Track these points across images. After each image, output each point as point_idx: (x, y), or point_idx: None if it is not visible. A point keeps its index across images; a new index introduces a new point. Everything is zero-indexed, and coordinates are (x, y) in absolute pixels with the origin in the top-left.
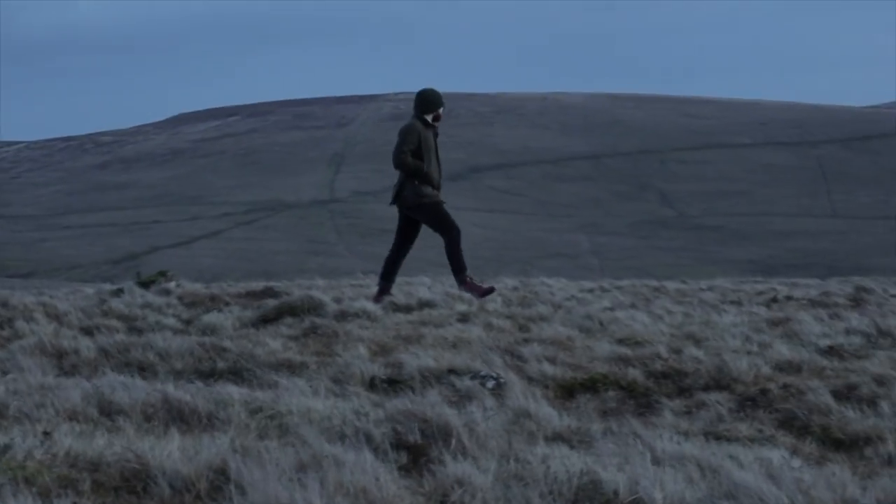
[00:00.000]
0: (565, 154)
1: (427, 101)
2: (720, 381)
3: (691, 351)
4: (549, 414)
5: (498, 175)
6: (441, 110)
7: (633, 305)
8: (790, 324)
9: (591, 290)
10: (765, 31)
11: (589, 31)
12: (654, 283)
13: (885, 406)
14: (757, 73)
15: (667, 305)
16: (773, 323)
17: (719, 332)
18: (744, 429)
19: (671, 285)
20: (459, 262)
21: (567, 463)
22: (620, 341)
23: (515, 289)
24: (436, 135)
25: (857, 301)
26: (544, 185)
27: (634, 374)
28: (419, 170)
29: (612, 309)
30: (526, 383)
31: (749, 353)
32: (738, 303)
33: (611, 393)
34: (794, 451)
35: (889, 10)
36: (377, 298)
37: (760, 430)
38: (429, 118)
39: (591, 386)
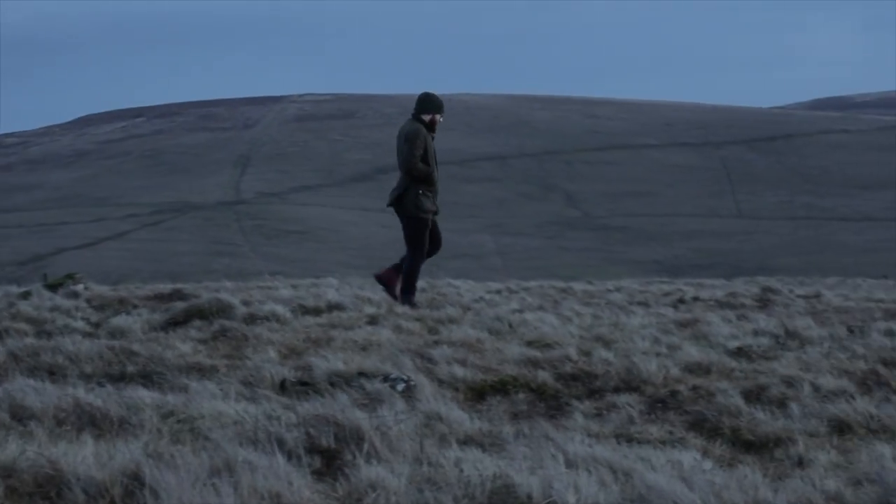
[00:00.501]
0: (471, 155)
1: (426, 102)
2: (630, 383)
3: (601, 353)
4: (460, 417)
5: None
6: (438, 117)
7: (541, 307)
8: (698, 325)
9: (498, 292)
10: (669, 33)
11: (494, 31)
12: (561, 284)
13: (794, 407)
14: (661, 74)
15: (575, 307)
16: (682, 324)
17: (628, 333)
18: (654, 431)
19: (578, 286)
20: (413, 283)
21: (480, 466)
22: (530, 343)
23: (423, 290)
24: (433, 138)
25: (763, 302)
26: (450, 185)
27: (544, 376)
28: (429, 176)
29: (520, 311)
30: (436, 386)
31: (658, 354)
32: (646, 304)
33: (521, 395)
34: (705, 453)
35: (793, 11)
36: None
37: (671, 432)
38: (426, 118)
39: (502, 388)
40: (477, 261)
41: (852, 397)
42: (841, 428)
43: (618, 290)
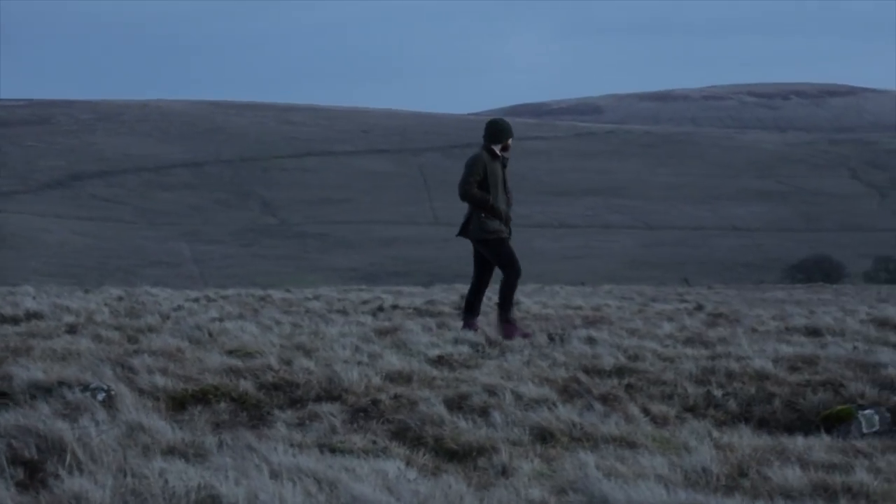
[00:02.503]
0: (166, 161)
1: (497, 131)
2: (332, 392)
3: (302, 362)
4: (162, 427)
5: (99, 183)
6: (510, 141)
7: (241, 316)
8: (398, 333)
9: (197, 300)
10: (366, 38)
11: (189, 36)
12: (260, 292)
13: (496, 416)
14: (358, 80)
15: (275, 315)
16: (382, 332)
17: (328, 342)
18: (358, 440)
19: (277, 294)
20: (509, 301)
21: (184, 477)
22: (231, 352)
23: (121, 299)
24: (504, 166)
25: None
26: (145, 192)
27: (246, 385)
28: (485, 202)
29: (220, 319)
30: (137, 395)
31: (359, 363)
32: (345, 312)
33: (223, 405)
34: (409, 463)
35: (487, 18)
36: (470, 326)
37: (374, 442)
38: (497, 148)
39: (203, 398)
40: (174, 268)
41: (554, 405)
42: (544, 436)
43: (316, 298)
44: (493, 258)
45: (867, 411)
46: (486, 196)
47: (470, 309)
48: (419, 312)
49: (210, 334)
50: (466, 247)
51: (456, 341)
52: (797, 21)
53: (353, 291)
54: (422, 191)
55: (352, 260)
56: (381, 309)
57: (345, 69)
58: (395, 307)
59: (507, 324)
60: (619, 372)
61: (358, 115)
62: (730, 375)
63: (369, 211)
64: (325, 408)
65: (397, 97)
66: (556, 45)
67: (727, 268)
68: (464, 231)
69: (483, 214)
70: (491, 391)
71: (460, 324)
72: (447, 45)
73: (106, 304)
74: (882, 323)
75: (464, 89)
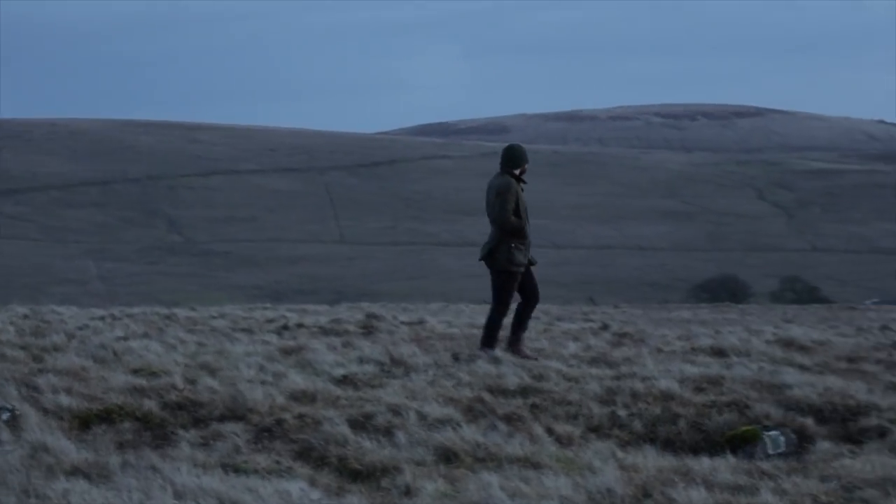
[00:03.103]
0: (74, 180)
1: (516, 157)
2: (236, 412)
3: (206, 381)
4: (66, 447)
5: (6, 201)
6: (526, 166)
7: (146, 335)
8: (303, 352)
9: (102, 318)
10: (272, 57)
11: (97, 54)
12: (165, 310)
13: (401, 436)
14: (264, 99)
15: (180, 334)
16: (286, 352)
17: (233, 361)
18: (262, 460)
19: (182, 313)
20: (494, 335)
21: (87, 498)
22: (135, 371)
23: (26, 317)
24: (522, 189)
25: (368, 328)
26: (52, 210)
27: (150, 404)
28: (521, 230)
29: (125, 338)
30: (42, 415)
31: (264, 382)
32: (250, 331)
33: (127, 424)
34: (313, 483)
35: (394, 36)
36: (516, 349)
37: (278, 462)
38: (517, 172)
39: (107, 417)
40: (80, 286)
41: (458, 425)
42: (448, 456)
43: (221, 316)
44: (498, 288)
45: (772, 432)
46: (522, 224)
47: (517, 329)
48: (324, 331)
49: (115, 353)
50: (372, 264)
51: (361, 360)
52: (705, 42)
53: (257, 310)
54: (327, 209)
55: (257, 278)
56: (285, 328)
57: (251, 88)
58: (300, 326)
59: (482, 345)
60: (524, 392)
61: (264, 133)
62: (635, 396)
63: (275, 229)
64: (229, 427)
65: (303, 116)
66: (464, 64)
67: (633, 287)
68: (490, 257)
69: (513, 244)
70: (395, 411)
71: (365, 342)
72: (354, 63)
73: (11, 323)
74: (787, 343)
75: (370, 108)
